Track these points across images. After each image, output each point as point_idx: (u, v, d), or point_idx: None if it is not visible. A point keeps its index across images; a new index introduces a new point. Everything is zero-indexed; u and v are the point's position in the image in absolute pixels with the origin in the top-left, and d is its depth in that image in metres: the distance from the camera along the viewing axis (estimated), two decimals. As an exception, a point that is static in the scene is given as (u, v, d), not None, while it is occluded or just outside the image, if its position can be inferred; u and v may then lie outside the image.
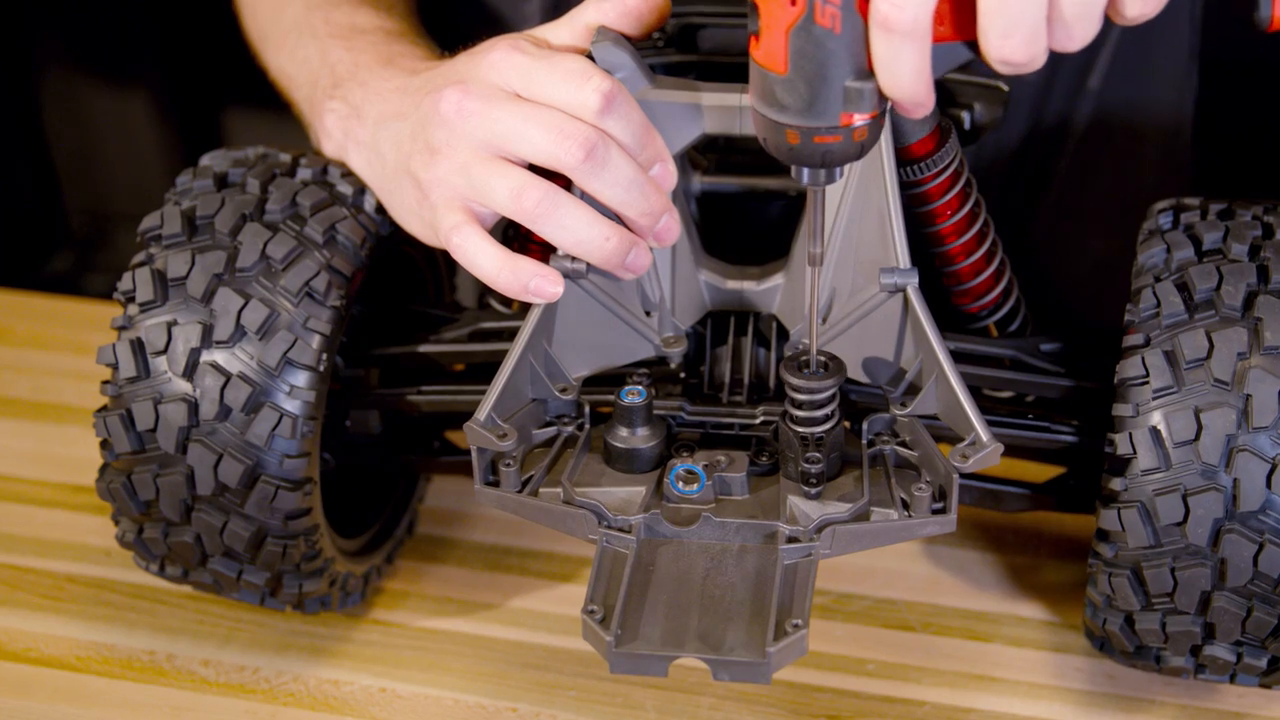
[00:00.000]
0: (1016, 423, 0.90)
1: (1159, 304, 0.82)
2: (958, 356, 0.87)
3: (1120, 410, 0.81)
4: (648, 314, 0.88)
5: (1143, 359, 0.81)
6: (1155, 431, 0.80)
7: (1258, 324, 0.80)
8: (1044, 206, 1.19)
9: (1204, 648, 0.84)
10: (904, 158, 0.87)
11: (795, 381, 0.80)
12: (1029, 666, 0.95)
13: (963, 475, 0.79)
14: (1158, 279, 0.84)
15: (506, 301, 0.96)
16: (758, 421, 0.86)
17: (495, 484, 0.81)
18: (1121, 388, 0.82)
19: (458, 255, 0.85)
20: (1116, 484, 0.81)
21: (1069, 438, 0.90)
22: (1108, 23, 1.11)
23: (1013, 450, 0.91)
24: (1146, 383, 0.80)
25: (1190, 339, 0.80)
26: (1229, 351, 0.79)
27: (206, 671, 0.96)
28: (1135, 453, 0.80)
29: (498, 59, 0.84)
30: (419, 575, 1.03)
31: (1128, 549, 0.82)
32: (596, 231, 0.82)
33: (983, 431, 0.77)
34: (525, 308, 0.85)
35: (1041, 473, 0.95)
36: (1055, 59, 1.12)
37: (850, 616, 0.99)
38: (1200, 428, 0.79)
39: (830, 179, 0.75)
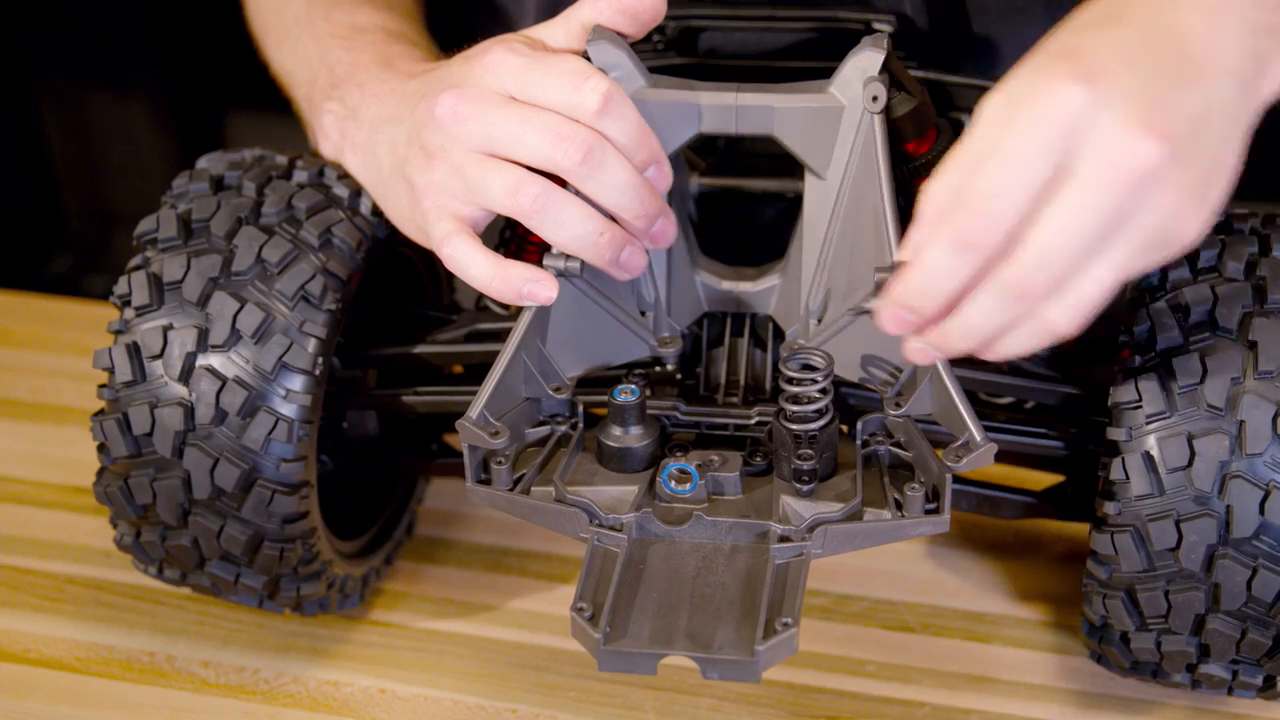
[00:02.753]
0: (1014, 429, 0.90)
1: (1153, 325, 0.82)
2: (954, 362, 0.86)
3: (1114, 434, 0.81)
4: (643, 314, 0.88)
5: (1136, 383, 0.81)
6: (1148, 457, 0.79)
7: (1253, 347, 0.79)
8: None
9: (1200, 666, 0.84)
10: (900, 157, 0.87)
11: (791, 373, 0.81)
12: (1029, 668, 0.95)
13: (960, 479, 0.78)
14: (1152, 299, 0.83)
15: (504, 304, 0.96)
16: (752, 422, 0.86)
17: (487, 482, 0.81)
18: (1115, 411, 0.81)
19: (450, 265, 0.85)
20: (1110, 508, 0.81)
21: (1066, 446, 0.90)
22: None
23: (1011, 457, 0.91)
24: (1140, 407, 0.80)
25: (1184, 363, 0.80)
26: (1223, 376, 0.79)
27: (206, 673, 0.96)
28: (1128, 478, 0.80)
29: (493, 61, 0.84)
30: (418, 576, 1.03)
31: (1121, 572, 0.81)
32: (592, 227, 0.82)
33: (976, 432, 0.77)
34: (521, 310, 0.85)
35: (1040, 480, 0.94)
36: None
37: (850, 618, 0.99)
38: (1193, 454, 0.79)
39: None
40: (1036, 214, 0.68)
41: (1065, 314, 0.70)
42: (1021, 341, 0.72)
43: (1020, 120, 0.67)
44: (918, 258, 0.71)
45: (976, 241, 0.69)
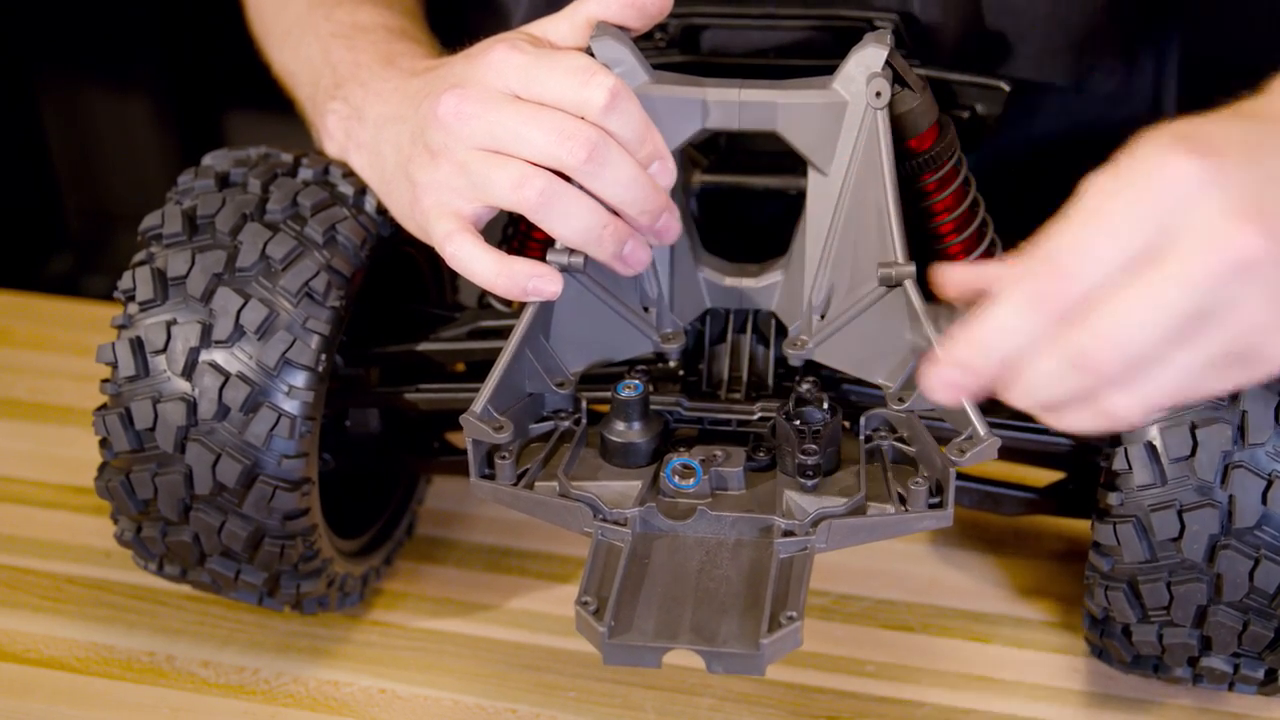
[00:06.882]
0: (1016, 425, 0.90)
1: None
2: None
3: None
4: (646, 310, 0.89)
5: None
6: (1151, 447, 0.80)
7: None
8: (1030, 208, 1.18)
9: (1201, 659, 0.84)
10: (903, 153, 0.87)
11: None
12: (1029, 667, 0.95)
13: (961, 475, 0.78)
14: None
15: (507, 300, 0.96)
16: (755, 418, 0.86)
17: (491, 477, 0.81)
18: None
19: (453, 263, 0.84)
20: (1112, 499, 0.81)
21: (1068, 442, 0.90)
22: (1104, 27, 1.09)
23: (1013, 454, 0.91)
24: None
25: None
26: None
27: (206, 672, 0.95)
28: (1131, 468, 0.80)
29: (496, 60, 0.84)
30: (418, 576, 1.03)
31: (1123, 563, 0.82)
32: (596, 221, 0.82)
33: (980, 425, 0.77)
34: (525, 306, 0.85)
35: (1042, 477, 0.95)
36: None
37: (850, 618, 0.99)
38: (1196, 444, 0.79)
39: None
40: (1121, 286, 0.64)
41: (1130, 402, 0.66)
42: (1080, 420, 0.68)
43: (1126, 188, 0.65)
44: (986, 312, 0.67)
45: (1048, 296, 0.65)
